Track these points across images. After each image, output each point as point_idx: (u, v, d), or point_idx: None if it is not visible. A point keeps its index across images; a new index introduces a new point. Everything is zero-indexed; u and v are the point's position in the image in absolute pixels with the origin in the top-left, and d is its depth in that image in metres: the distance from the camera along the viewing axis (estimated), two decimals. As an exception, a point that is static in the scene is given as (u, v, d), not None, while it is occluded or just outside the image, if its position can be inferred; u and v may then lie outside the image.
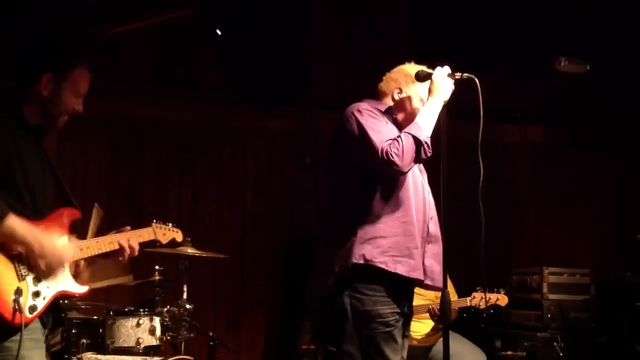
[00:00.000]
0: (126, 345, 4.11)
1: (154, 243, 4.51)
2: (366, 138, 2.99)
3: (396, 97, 3.25)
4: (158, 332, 4.19)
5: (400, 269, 3.03)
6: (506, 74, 6.23)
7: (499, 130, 6.38)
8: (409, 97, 3.22)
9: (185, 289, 4.44)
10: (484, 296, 4.62)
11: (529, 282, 5.59)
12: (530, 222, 6.56)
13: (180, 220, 5.72)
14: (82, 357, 3.98)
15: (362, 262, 2.99)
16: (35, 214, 2.71)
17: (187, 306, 4.35)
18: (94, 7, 5.09)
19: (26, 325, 2.59)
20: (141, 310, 4.27)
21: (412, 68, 3.27)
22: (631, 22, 6.09)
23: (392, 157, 2.92)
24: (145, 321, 4.16)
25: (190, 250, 4.40)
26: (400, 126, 3.16)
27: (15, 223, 2.58)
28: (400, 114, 3.22)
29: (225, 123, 6.00)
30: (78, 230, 3.38)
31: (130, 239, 3.00)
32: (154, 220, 3.32)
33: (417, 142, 2.96)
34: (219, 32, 5.47)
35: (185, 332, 4.34)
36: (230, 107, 5.94)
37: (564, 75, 6.04)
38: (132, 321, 4.14)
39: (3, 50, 5.06)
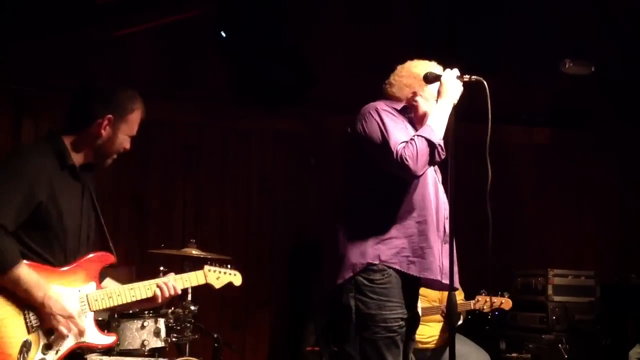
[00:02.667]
0: (131, 348, 4.09)
1: (157, 243, 4.55)
2: (382, 139, 2.97)
3: (412, 103, 3.21)
4: (163, 333, 4.18)
5: (413, 270, 3.01)
6: (512, 76, 6.22)
7: (505, 131, 6.36)
8: (426, 100, 3.19)
9: (189, 290, 4.43)
10: (488, 300, 4.60)
11: (534, 284, 5.58)
12: (536, 223, 6.55)
13: (184, 221, 5.80)
14: (86, 359, 3.97)
15: (377, 262, 2.98)
16: (65, 258, 2.68)
17: (192, 308, 4.34)
18: (99, 8, 5.09)
19: None
20: (146, 312, 4.25)
21: (421, 68, 3.23)
22: (636, 22, 6.08)
23: (407, 160, 2.90)
24: (149, 323, 4.15)
25: (194, 252, 4.39)
26: (416, 125, 3.15)
27: (23, 273, 2.53)
28: (416, 114, 3.20)
29: (230, 124, 6.00)
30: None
31: (172, 283, 2.89)
32: (208, 263, 3.14)
33: (431, 144, 2.94)
34: (223, 34, 5.47)
35: (189, 334, 4.34)
36: (235, 108, 5.94)
37: (569, 76, 6.02)
38: (137, 323, 4.13)
39: (6, 51, 5.08)
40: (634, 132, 6.55)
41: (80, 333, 2.64)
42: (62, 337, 2.60)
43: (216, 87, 5.93)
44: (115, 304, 2.77)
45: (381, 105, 3.11)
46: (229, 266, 3.22)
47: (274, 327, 5.94)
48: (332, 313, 3.17)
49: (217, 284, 3.16)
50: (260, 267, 5.91)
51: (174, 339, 4.28)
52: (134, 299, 2.81)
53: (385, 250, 2.99)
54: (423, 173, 3.00)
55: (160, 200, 5.78)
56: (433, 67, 3.23)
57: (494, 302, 4.72)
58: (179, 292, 2.91)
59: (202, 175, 5.91)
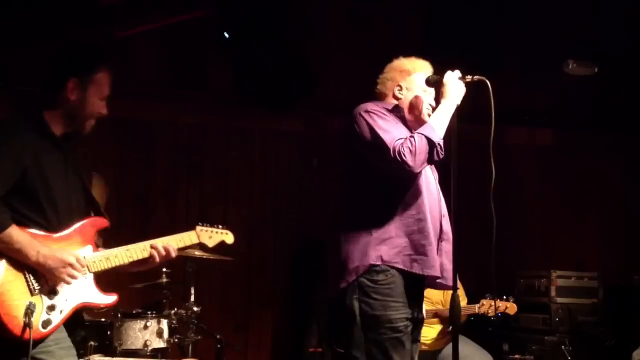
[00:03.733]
0: (134, 348, 4.12)
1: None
2: (376, 138, 2.96)
3: (398, 95, 3.23)
4: (165, 334, 4.19)
5: (416, 268, 3.00)
6: (514, 76, 6.22)
7: (507, 132, 6.36)
8: (410, 91, 3.21)
9: (192, 291, 4.44)
10: (493, 304, 4.59)
11: (537, 285, 5.57)
12: (538, 224, 6.54)
13: (188, 222, 5.78)
14: (90, 359, 3.98)
15: (379, 262, 2.96)
16: (59, 225, 2.71)
17: (195, 308, 4.36)
18: (103, 9, 5.10)
19: (40, 339, 2.56)
20: (149, 312, 4.28)
21: (403, 62, 3.27)
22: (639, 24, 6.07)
23: (405, 156, 2.89)
24: (152, 323, 4.17)
25: (197, 253, 4.40)
26: (408, 123, 3.15)
27: (15, 233, 2.57)
28: (407, 110, 3.20)
29: (233, 125, 6.01)
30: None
31: (167, 243, 2.93)
32: (199, 223, 3.17)
33: (430, 142, 2.94)
34: (226, 34, 5.48)
35: (192, 335, 4.35)
36: (238, 110, 5.95)
37: (572, 77, 6.02)
38: (140, 323, 4.15)
39: (10, 52, 5.09)
40: (637, 133, 6.54)
41: (76, 273, 2.65)
42: (67, 294, 2.64)
43: (219, 88, 5.94)
44: (113, 265, 2.81)
45: (371, 106, 3.11)
46: (220, 226, 3.23)
47: (276, 328, 5.94)
48: (335, 316, 3.15)
49: (210, 243, 3.18)
50: (263, 268, 5.92)
51: (176, 340, 4.29)
52: (130, 260, 2.85)
53: (387, 250, 2.98)
54: (420, 171, 2.99)
55: (164, 201, 5.78)
56: (417, 62, 3.25)
57: (498, 307, 4.70)
58: (175, 253, 2.94)
59: (205, 176, 5.92)
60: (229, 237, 3.26)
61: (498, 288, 4.77)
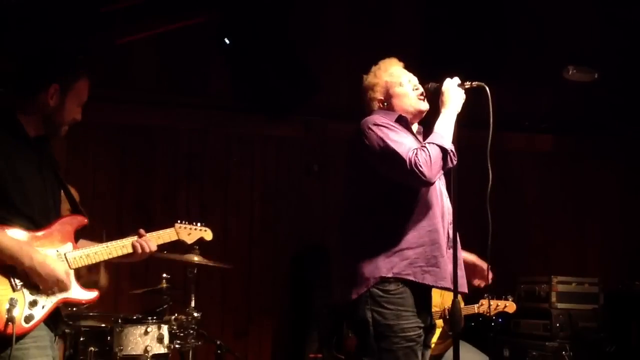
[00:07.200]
0: (134, 354, 4.12)
1: (160, 250, 4.55)
2: (390, 151, 2.94)
3: (385, 105, 3.23)
4: (166, 340, 4.19)
5: (429, 280, 2.99)
6: (514, 83, 6.22)
7: (507, 138, 6.37)
8: (391, 96, 3.21)
9: (193, 297, 4.44)
10: (492, 303, 4.59)
11: (538, 291, 5.56)
12: (539, 230, 6.55)
13: (187, 228, 5.80)
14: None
15: (390, 275, 2.95)
16: (36, 225, 2.71)
17: (195, 314, 4.35)
18: (103, 16, 5.11)
19: (23, 335, 2.57)
20: (149, 318, 4.28)
21: (370, 79, 3.28)
22: (639, 29, 6.09)
23: (421, 167, 2.87)
24: (153, 329, 4.17)
25: (197, 259, 4.40)
26: (412, 128, 3.16)
27: (3, 238, 2.57)
28: (404, 111, 3.18)
29: (233, 131, 6.02)
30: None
31: (147, 241, 2.96)
32: (178, 221, 3.24)
33: (443, 150, 2.93)
34: (227, 41, 5.49)
35: (192, 341, 4.35)
36: (238, 115, 5.96)
37: (572, 83, 6.03)
38: (140, 329, 4.14)
39: (11, 59, 5.10)
40: (636, 138, 6.55)
41: (65, 289, 2.71)
42: (47, 294, 2.68)
43: (219, 94, 5.95)
44: (93, 262, 2.85)
45: (379, 118, 3.09)
46: (199, 223, 3.31)
47: (276, 334, 5.94)
48: (343, 324, 3.14)
49: (189, 240, 3.27)
50: (262, 274, 5.92)
51: (177, 346, 4.29)
52: (110, 256, 2.89)
53: (398, 262, 2.96)
54: (436, 180, 2.98)
55: (164, 207, 5.78)
56: (379, 69, 3.27)
57: (497, 306, 4.70)
58: (154, 248, 2.99)
59: (205, 182, 5.92)
60: (207, 234, 3.37)
61: (498, 293, 4.77)
